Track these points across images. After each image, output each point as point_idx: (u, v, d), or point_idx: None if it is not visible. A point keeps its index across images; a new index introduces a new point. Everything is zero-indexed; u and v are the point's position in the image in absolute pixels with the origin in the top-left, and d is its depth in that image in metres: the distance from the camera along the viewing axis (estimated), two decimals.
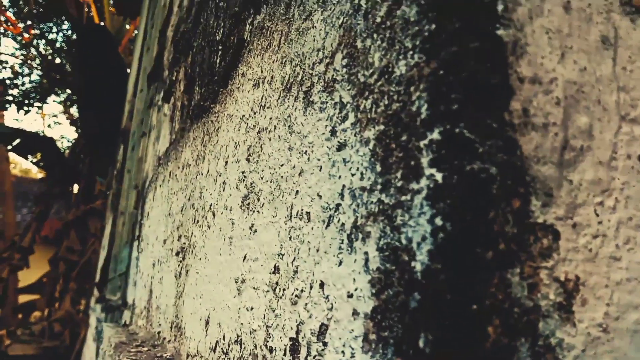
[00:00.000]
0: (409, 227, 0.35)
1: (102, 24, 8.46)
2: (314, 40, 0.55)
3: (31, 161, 8.65)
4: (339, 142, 0.47)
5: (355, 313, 0.40)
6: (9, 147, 7.18)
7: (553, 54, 0.36)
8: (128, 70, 6.69)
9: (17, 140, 7.18)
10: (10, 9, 13.35)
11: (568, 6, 0.38)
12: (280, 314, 0.54)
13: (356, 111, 0.44)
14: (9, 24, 13.00)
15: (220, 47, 1.20)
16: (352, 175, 0.43)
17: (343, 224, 0.44)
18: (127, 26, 8.88)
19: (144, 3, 5.43)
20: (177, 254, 1.06)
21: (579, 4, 0.38)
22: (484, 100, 0.34)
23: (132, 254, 2.36)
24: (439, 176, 0.33)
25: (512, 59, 0.34)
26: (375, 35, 0.43)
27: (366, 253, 0.40)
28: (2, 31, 13.61)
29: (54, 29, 13.22)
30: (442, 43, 0.35)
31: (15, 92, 12.41)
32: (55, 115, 17.20)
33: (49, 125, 18.78)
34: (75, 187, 7.65)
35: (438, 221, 0.33)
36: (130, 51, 8.52)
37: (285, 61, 0.63)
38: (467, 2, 0.35)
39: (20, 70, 13.16)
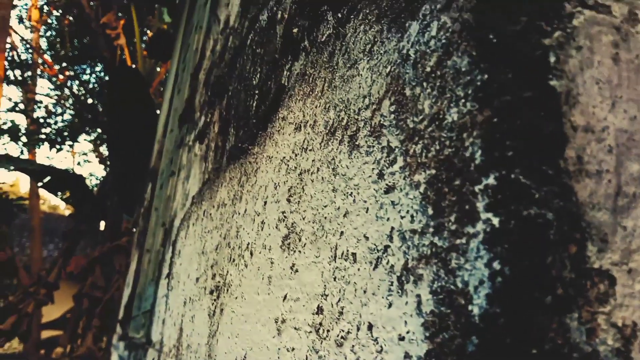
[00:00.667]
0: (465, 271, 0.36)
1: (134, 66, 8.76)
2: (360, 87, 0.57)
3: (60, 198, 8.85)
4: (387, 184, 0.48)
5: (407, 356, 0.40)
6: (40, 183, 7.36)
7: (604, 103, 0.37)
8: (158, 111, 6.87)
9: (48, 177, 7.37)
10: (48, 52, 13.95)
11: (617, 57, 0.39)
12: (325, 356, 0.54)
13: (405, 155, 0.46)
14: (46, 65, 13.55)
15: (256, 92, 1.24)
16: (402, 217, 0.44)
17: (392, 266, 0.45)
18: (158, 69, 9.18)
19: (176, 47, 5.62)
20: (211, 292, 1.07)
21: (627, 55, 0.40)
22: (539, 147, 0.35)
23: (158, 292, 2.38)
24: (495, 220, 0.34)
25: (565, 108, 0.36)
26: (424, 84, 0.45)
27: (418, 296, 0.40)
28: (39, 73, 14.18)
29: (88, 71, 13.73)
30: (495, 92, 0.37)
31: (48, 130, 12.81)
32: (85, 154, 17.65)
33: (78, 163, 19.26)
34: (102, 224, 7.77)
35: (496, 265, 0.33)
36: (160, 93, 8.78)
37: (329, 106, 0.65)
38: (519, 54, 0.37)
39: (53, 110, 13.63)
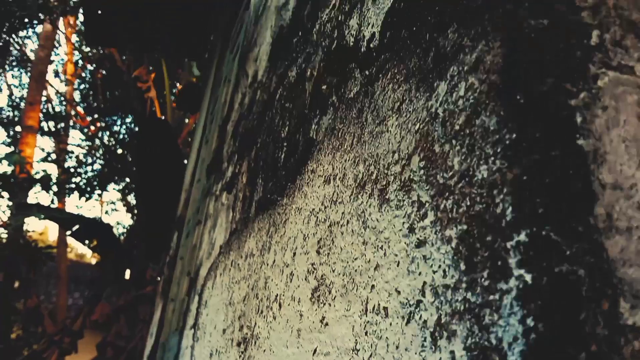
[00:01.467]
0: (499, 327, 0.36)
1: (163, 117, 9.03)
2: (389, 143, 0.59)
3: (88, 246, 8.98)
4: (418, 239, 0.49)
5: None
6: (69, 232, 7.49)
7: (631, 161, 0.38)
8: (185, 161, 7.02)
9: (77, 226, 7.51)
10: (81, 104, 14.51)
11: None
12: None
13: (436, 210, 0.47)
14: (78, 117, 14.05)
15: (285, 144, 1.28)
16: (434, 272, 0.45)
17: (425, 321, 0.45)
18: (187, 120, 9.43)
19: (204, 99, 5.80)
20: (239, 344, 1.07)
21: None
22: (569, 205, 0.36)
23: (182, 343, 2.37)
24: (528, 277, 0.35)
25: (593, 167, 0.37)
26: (454, 141, 0.46)
27: (452, 352, 0.41)
28: (72, 124, 14.70)
29: (118, 122, 14.18)
30: (524, 151, 0.38)
31: (78, 179, 13.14)
32: (113, 202, 18.00)
33: (106, 212, 19.61)
34: (128, 273, 7.83)
35: (529, 322, 0.34)
36: (188, 143, 8.99)
37: (359, 160, 0.67)
38: (546, 114, 0.38)
39: (84, 160, 14.03)
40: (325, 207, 0.76)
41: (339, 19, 1.03)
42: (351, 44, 0.93)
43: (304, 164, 0.95)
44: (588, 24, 0.41)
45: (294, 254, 0.85)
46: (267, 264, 1.01)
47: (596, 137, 0.38)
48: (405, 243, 0.51)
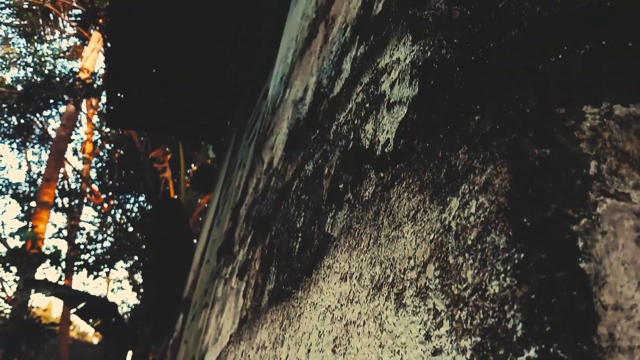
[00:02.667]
0: None
1: (176, 197, 9.18)
2: (405, 248, 0.63)
3: (91, 325, 8.83)
4: (434, 347, 0.51)
5: None
6: (74, 310, 7.41)
7: (630, 283, 0.42)
8: (195, 241, 7.05)
9: (83, 304, 7.43)
10: (96, 182, 14.81)
11: (639, 240, 0.44)
12: None
13: (451, 320, 0.50)
14: (93, 194, 14.29)
15: (299, 235, 1.32)
16: None
17: None
18: (200, 200, 9.57)
19: (218, 181, 5.94)
20: None
21: None
22: (574, 324, 0.39)
23: None
24: None
25: (595, 289, 0.40)
26: (467, 255, 0.50)
27: None
28: (85, 201, 14.93)
29: (131, 200, 14.39)
30: (531, 271, 0.42)
31: (87, 256, 13.15)
32: (119, 281, 17.86)
33: (112, 290, 19.39)
34: (130, 354, 7.63)
35: None
36: (199, 223, 9.07)
37: (375, 262, 0.71)
38: (551, 237, 0.42)
39: (94, 237, 14.10)
40: (341, 305, 0.79)
41: (355, 122, 1.11)
42: (367, 146, 1.00)
43: (320, 259, 0.98)
44: (586, 154, 0.46)
45: (309, 350, 0.87)
46: (280, 359, 1.02)
47: (597, 261, 0.41)
48: (422, 350, 0.53)
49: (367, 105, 1.06)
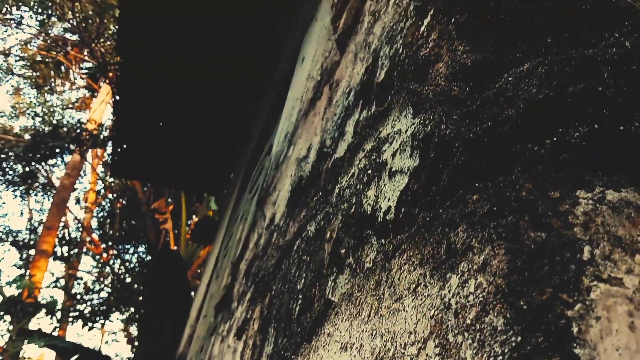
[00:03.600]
0: None
1: (176, 248, 9.14)
2: (405, 322, 0.64)
3: None
4: None
5: None
6: None
7: None
8: (192, 294, 6.96)
9: (76, 356, 7.26)
10: (97, 231, 14.77)
11: (632, 325, 0.45)
12: None
13: None
14: (92, 244, 14.23)
15: (300, 296, 1.32)
16: None
17: None
18: (200, 252, 9.52)
19: (219, 234, 5.93)
20: None
21: None
22: None
23: None
24: None
25: None
26: (466, 334, 0.51)
27: None
28: (84, 250, 14.85)
29: (131, 250, 14.30)
30: (528, 354, 0.43)
31: (83, 307, 12.94)
32: (114, 333, 17.48)
33: (106, 342, 18.95)
34: None
35: None
36: (198, 275, 8.98)
37: (376, 334, 0.71)
38: (546, 322, 0.44)
39: (92, 287, 13.93)
40: None
41: (358, 187, 1.13)
42: (368, 212, 1.02)
43: (321, 325, 0.98)
44: (580, 239, 0.48)
45: None
46: None
47: (591, 347, 0.42)
48: None
49: (370, 171, 1.09)
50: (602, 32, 0.75)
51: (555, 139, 0.58)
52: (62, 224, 14.59)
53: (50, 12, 11.71)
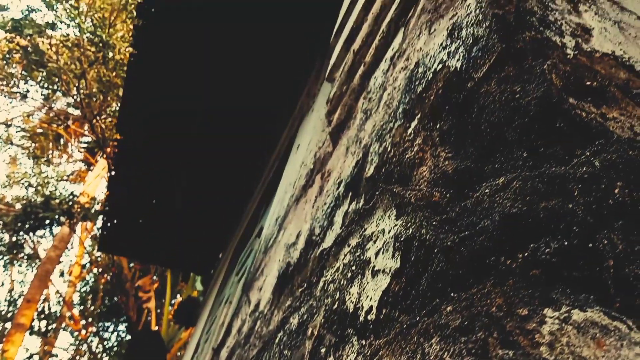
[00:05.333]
0: None
1: (157, 329, 8.85)
2: None
3: None
4: None
5: None
6: None
7: None
8: None
9: None
10: (77, 306, 14.34)
11: None
12: None
13: None
14: (72, 320, 13.77)
15: None
16: None
17: None
18: (181, 334, 9.22)
19: (202, 315, 5.78)
20: None
21: None
22: None
23: None
24: None
25: None
26: None
27: None
28: (63, 326, 14.33)
29: (110, 328, 13.82)
30: None
31: None
32: None
33: None
34: None
35: None
36: (178, 358, 8.64)
37: None
38: None
39: None
40: None
41: (342, 282, 1.14)
42: (351, 310, 1.02)
43: None
44: (546, 359, 0.49)
45: None
46: None
47: None
48: None
49: (354, 267, 1.10)
50: (574, 149, 0.79)
51: (526, 254, 0.60)
52: (42, 297, 14.18)
53: (56, 87, 12.10)
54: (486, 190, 0.75)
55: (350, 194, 1.68)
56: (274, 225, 3.23)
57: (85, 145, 14.68)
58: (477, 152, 0.92)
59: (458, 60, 1.20)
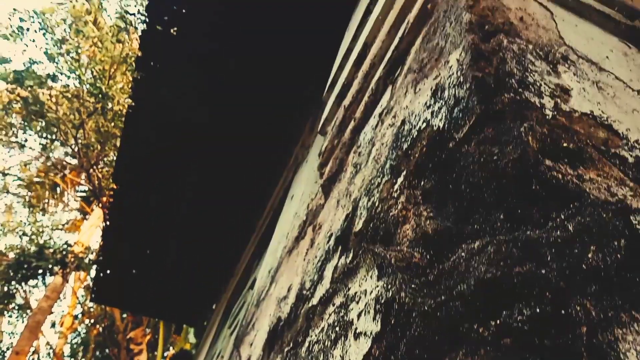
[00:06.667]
0: None
1: None
2: None
3: None
4: None
5: None
6: None
7: None
8: None
9: None
10: (68, 358, 13.96)
11: None
12: None
13: None
14: None
15: None
16: None
17: None
18: None
19: None
20: None
21: None
22: None
23: None
24: None
25: None
26: None
27: None
28: None
29: None
30: None
31: None
32: None
33: None
34: None
35: None
36: None
37: None
38: None
39: None
40: None
41: (326, 344, 1.13)
42: None
43: None
44: None
45: None
46: None
47: None
48: None
49: (337, 328, 1.09)
50: (549, 212, 0.80)
51: (499, 321, 0.60)
52: (32, 349, 13.81)
53: (54, 137, 12.21)
54: (463, 254, 0.76)
55: (340, 248, 1.68)
56: (266, 277, 3.21)
57: (82, 194, 14.68)
58: (457, 213, 0.93)
59: (441, 120, 1.22)
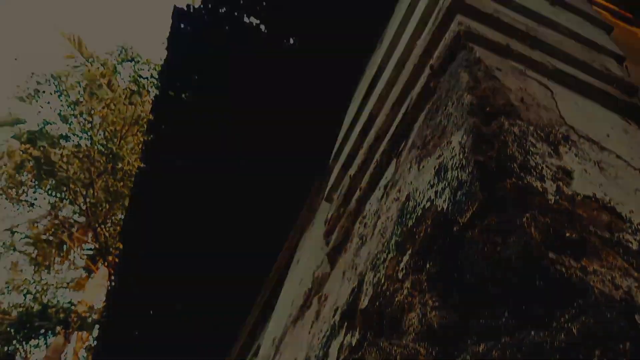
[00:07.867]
0: None
1: None
2: None
3: None
4: None
5: None
6: None
7: None
8: None
9: None
10: None
11: None
12: None
13: None
14: None
15: None
16: None
17: None
18: None
19: None
20: None
21: None
22: None
23: None
24: None
25: None
26: None
27: None
28: None
29: None
30: None
31: None
32: None
33: None
34: None
35: None
36: None
37: None
38: None
39: None
40: None
41: None
42: None
43: None
44: None
45: None
46: None
47: None
48: None
49: None
50: (554, 310, 0.80)
51: None
52: None
53: (63, 195, 12.32)
54: (468, 357, 0.75)
55: (346, 324, 1.66)
56: (270, 347, 3.14)
57: (88, 252, 14.64)
58: (462, 305, 0.92)
59: (444, 201, 1.23)
